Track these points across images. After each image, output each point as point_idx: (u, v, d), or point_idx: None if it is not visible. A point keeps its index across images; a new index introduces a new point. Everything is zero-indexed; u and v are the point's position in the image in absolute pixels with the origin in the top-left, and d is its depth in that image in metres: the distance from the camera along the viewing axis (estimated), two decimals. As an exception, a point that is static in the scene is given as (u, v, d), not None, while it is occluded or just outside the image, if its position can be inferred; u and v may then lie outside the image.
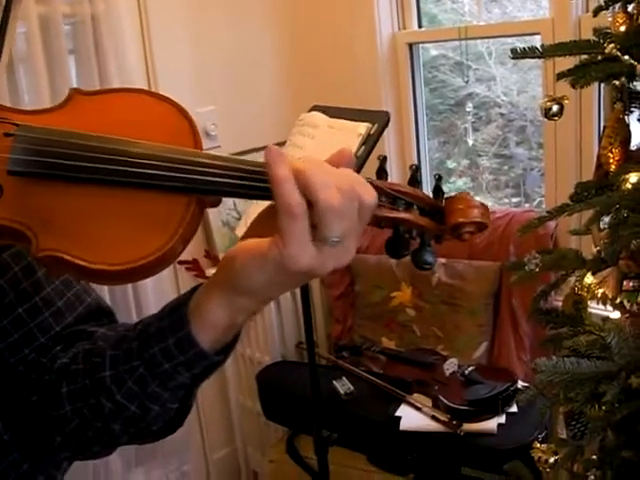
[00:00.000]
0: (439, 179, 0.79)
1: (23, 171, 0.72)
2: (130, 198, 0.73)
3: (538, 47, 1.40)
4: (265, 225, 0.72)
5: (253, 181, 0.72)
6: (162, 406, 0.83)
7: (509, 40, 2.81)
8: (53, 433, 0.87)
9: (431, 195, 0.79)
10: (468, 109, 2.78)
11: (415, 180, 0.78)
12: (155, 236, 0.72)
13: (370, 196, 0.70)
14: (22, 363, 0.88)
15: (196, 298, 0.78)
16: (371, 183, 0.73)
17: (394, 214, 0.75)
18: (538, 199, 3.06)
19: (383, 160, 0.79)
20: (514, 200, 3.25)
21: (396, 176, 3.02)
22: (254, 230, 0.74)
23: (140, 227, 0.72)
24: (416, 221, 0.76)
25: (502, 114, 3.21)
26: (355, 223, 0.69)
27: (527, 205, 3.16)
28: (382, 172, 0.78)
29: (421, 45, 3.01)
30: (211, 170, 0.72)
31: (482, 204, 0.77)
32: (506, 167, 3.29)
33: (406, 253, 0.76)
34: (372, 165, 0.79)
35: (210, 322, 0.76)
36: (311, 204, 0.67)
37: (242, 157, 2.50)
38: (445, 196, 0.78)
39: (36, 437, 0.89)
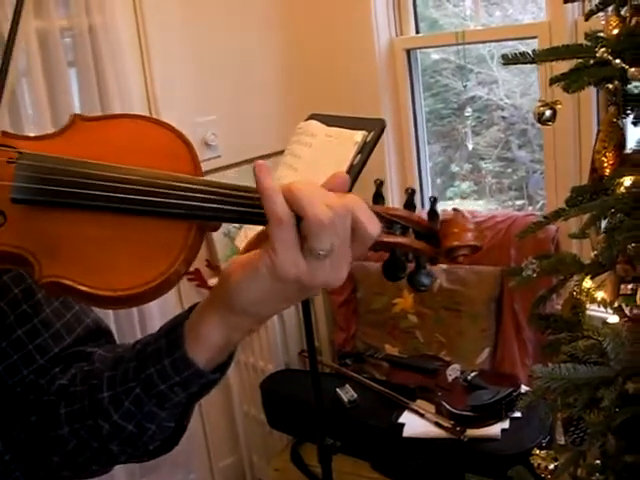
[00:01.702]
0: (434, 202, 0.80)
1: (26, 199, 0.73)
2: (131, 224, 0.74)
3: (529, 52, 1.40)
4: (260, 246, 0.73)
5: (251, 207, 0.73)
6: (159, 425, 0.83)
7: (510, 43, 2.81)
8: (51, 453, 0.87)
9: (426, 217, 0.79)
10: (467, 113, 2.77)
11: (411, 204, 0.79)
12: (157, 261, 0.73)
13: (373, 227, 0.71)
14: (21, 384, 0.89)
15: (192, 318, 0.79)
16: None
17: (391, 239, 0.76)
18: (542, 201, 3.06)
19: (380, 185, 0.80)
20: (518, 203, 3.25)
21: (396, 185, 3.02)
22: (253, 246, 0.75)
23: (142, 253, 0.74)
24: (412, 245, 0.77)
25: (504, 117, 3.21)
26: (346, 242, 0.70)
27: (530, 208, 3.16)
28: (379, 197, 0.79)
29: (422, 50, 3.01)
30: (210, 197, 0.73)
31: (476, 226, 0.78)
32: (509, 170, 3.29)
33: (403, 276, 0.78)
34: (369, 189, 0.80)
35: (206, 342, 0.77)
36: (301, 219, 0.69)
37: (242, 166, 2.50)
38: (440, 219, 0.79)
39: (35, 457, 0.89)
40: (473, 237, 0.77)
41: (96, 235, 0.74)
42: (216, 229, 0.80)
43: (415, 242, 0.77)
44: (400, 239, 0.76)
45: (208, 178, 0.76)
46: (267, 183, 0.69)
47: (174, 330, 0.79)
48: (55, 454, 0.87)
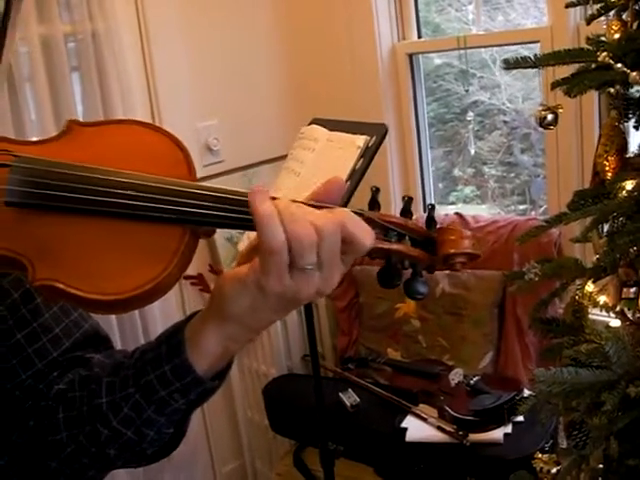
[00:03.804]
0: (431, 209, 0.80)
1: (19, 202, 0.74)
2: (124, 229, 0.74)
3: (531, 57, 1.41)
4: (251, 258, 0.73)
5: (245, 214, 0.72)
6: (157, 431, 0.84)
7: (513, 48, 2.82)
8: (48, 459, 0.87)
9: (424, 225, 0.79)
10: (469, 118, 2.78)
11: (407, 211, 0.79)
12: (150, 266, 0.73)
13: (366, 239, 0.71)
14: (19, 388, 0.89)
15: (191, 326, 0.80)
16: (362, 214, 0.74)
17: (386, 245, 0.75)
18: (544, 206, 3.05)
19: (376, 191, 0.80)
20: (521, 207, 3.25)
21: (398, 190, 3.03)
22: (247, 258, 0.75)
23: (135, 257, 0.74)
24: (408, 252, 0.77)
25: (506, 122, 3.21)
26: (336, 255, 0.71)
27: (533, 212, 3.15)
28: (374, 203, 0.79)
29: (425, 54, 3.02)
30: (204, 202, 0.74)
31: (473, 235, 0.78)
32: (512, 174, 3.29)
33: (398, 283, 0.77)
34: (366, 196, 0.80)
35: (205, 350, 0.78)
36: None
37: (245, 171, 2.50)
38: (437, 227, 0.79)
39: (31, 463, 0.89)
40: (470, 245, 0.77)
41: (89, 239, 0.74)
42: (211, 235, 0.80)
43: (411, 249, 0.77)
44: (395, 246, 0.76)
45: (204, 183, 0.76)
46: (263, 209, 0.69)
47: (174, 336, 0.80)
48: (52, 459, 0.87)
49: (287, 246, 0.68)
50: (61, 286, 0.72)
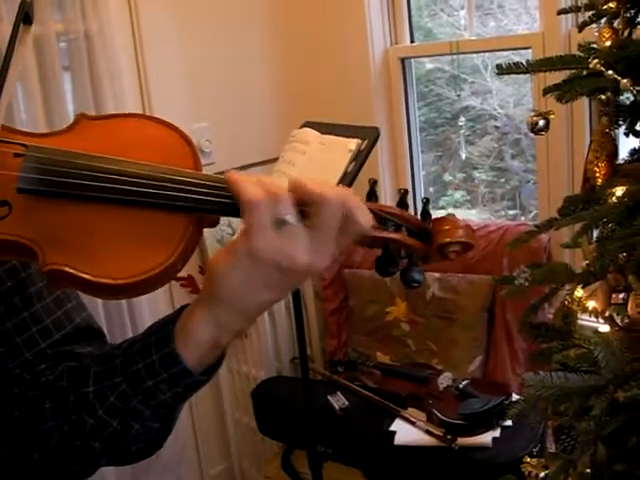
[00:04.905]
0: (426, 202, 0.83)
1: (32, 189, 0.76)
2: (133, 216, 0.76)
3: (523, 62, 1.41)
4: None
5: None
6: (143, 424, 0.84)
7: (504, 53, 2.83)
8: (32, 449, 0.87)
9: (419, 217, 0.82)
10: (461, 123, 2.79)
11: (403, 203, 0.82)
12: (156, 253, 0.76)
13: (365, 218, 0.75)
14: (5, 377, 0.89)
15: (182, 317, 0.80)
16: None
17: (384, 234, 0.78)
18: (534, 211, 3.07)
19: (373, 183, 0.83)
20: (510, 212, 3.26)
21: (389, 192, 3.03)
22: None
23: (142, 244, 0.76)
24: (404, 241, 0.79)
25: (497, 127, 3.22)
26: (333, 224, 0.73)
27: (523, 217, 3.17)
28: (372, 195, 0.82)
29: (416, 59, 3.03)
30: (211, 191, 0.76)
31: (467, 225, 0.81)
32: (502, 180, 3.30)
33: (395, 271, 0.80)
34: (363, 187, 0.83)
35: (194, 340, 0.78)
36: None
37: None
38: (432, 218, 0.82)
39: (14, 453, 0.89)
40: (464, 234, 0.80)
41: (98, 225, 0.77)
42: (213, 225, 0.82)
43: (407, 239, 0.80)
44: (393, 235, 0.79)
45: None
46: (252, 194, 0.73)
47: (164, 328, 0.81)
48: (36, 450, 0.87)
49: (264, 198, 0.72)
50: (71, 270, 0.74)
